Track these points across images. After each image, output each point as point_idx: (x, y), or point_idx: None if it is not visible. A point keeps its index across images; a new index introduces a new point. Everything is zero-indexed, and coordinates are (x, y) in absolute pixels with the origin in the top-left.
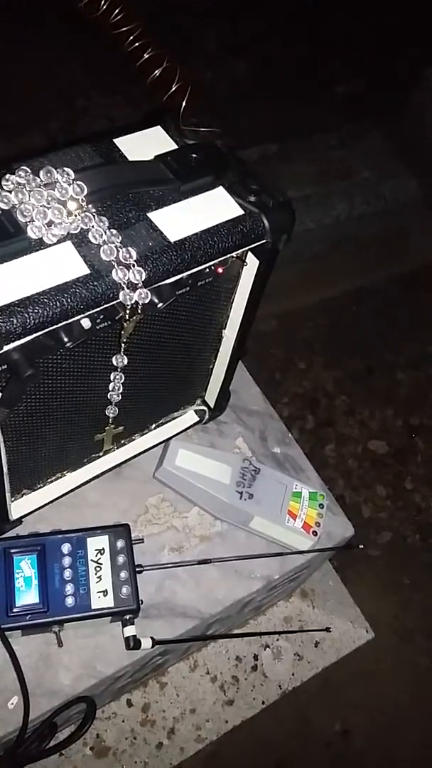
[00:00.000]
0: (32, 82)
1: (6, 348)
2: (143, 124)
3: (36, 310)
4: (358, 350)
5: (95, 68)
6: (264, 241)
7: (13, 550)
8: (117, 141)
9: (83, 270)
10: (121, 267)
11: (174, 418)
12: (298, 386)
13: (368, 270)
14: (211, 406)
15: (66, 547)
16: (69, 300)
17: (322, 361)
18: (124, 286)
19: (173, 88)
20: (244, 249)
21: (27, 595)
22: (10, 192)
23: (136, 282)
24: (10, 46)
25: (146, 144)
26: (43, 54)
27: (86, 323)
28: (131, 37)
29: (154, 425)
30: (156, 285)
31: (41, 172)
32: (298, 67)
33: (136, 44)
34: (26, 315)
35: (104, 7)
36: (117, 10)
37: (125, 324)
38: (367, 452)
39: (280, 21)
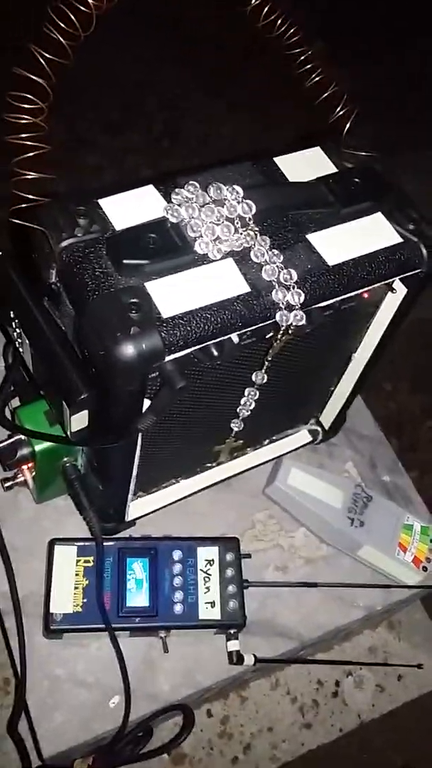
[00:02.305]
0: (136, 80)
1: (166, 359)
2: (301, 144)
3: (198, 325)
4: None
5: (199, 72)
6: (418, 270)
7: (126, 551)
8: (277, 160)
9: (244, 288)
10: (281, 288)
11: (287, 436)
12: (383, 407)
13: None
14: (326, 427)
15: (177, 554)
16: (228, 317)
17: (410, 384)
18: (283, 306)
19: (340, 112)
20: (397, 277)
21: (137, 597)
22: (179, 206)
23: (294, 304)
24: (119, 41)
25: (306, 165)
26: (149, 54)
27: (235, 338)
28: (303, 58)
29: (267, 441)
30: (309, 307)
31: (210, 189)
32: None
33: (308, 66)
34: (188, 329)
35: (282, 29)
36: (292, 31)
37: (274, 343)
38: None
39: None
